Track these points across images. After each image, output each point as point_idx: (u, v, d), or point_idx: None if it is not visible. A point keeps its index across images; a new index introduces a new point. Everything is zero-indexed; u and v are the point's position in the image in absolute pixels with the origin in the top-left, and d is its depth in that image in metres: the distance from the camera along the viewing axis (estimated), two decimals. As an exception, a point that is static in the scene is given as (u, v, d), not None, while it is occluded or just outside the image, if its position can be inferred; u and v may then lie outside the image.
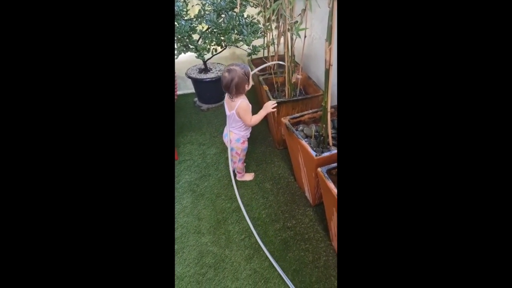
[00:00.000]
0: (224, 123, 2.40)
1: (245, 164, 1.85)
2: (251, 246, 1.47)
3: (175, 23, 2.00)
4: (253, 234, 1.52)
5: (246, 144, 1.71)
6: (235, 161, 1.76)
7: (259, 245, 1.46)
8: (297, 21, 1.64)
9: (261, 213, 1.65)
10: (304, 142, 1.42)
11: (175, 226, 1.59)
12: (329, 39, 1.16)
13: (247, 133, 1.69)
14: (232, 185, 1.76)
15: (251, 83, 1.56)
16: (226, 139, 1.70)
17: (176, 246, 1.48)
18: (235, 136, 1.66)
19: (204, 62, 2.55)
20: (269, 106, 1.61)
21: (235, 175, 1.85)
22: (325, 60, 1.22)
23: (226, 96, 1.58)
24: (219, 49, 2.38)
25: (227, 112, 1.62)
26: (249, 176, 1.87)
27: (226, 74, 1.47)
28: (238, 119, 1.58)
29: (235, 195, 1.75)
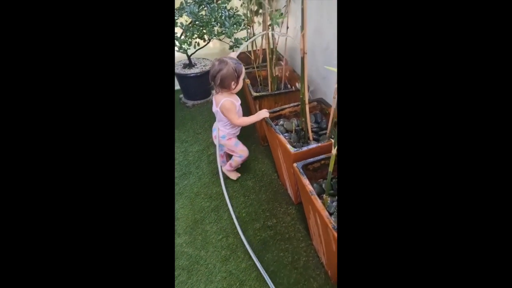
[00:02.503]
0: (208, 120, 2.34)
1: (239, 166, 1.79)
2: (228, 247, 1.39)
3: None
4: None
5: (233, 141, 1.64)
6: (234, 159, 1.70)
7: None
8: (277, 10, 1.56)
9: (241, 212, 1.57)
10: (282, 137, 1.35)
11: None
12: (302, 25, 1.09)
13: (233, 131, 1.62)
14: (215, 182, 1.69)
15: (240, 84, 1.48)
16: (214, 134, 1.63)
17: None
18: (221, 132, 1.60)
19: (188, 57, 2.47)
20: (262, 114, 1.53)
21: (223, 172, 1.78)
22: (300, 49, 1.15)
23: (214, 91, 1.51)
24: (202, 42, 2.30)
25: (213, 108, 1.55)
26: (234, 175, 1.79)
27: (216, 63, 1.42)
28: (223, 116, 1.51)
29: (215, 193, 1.68)
